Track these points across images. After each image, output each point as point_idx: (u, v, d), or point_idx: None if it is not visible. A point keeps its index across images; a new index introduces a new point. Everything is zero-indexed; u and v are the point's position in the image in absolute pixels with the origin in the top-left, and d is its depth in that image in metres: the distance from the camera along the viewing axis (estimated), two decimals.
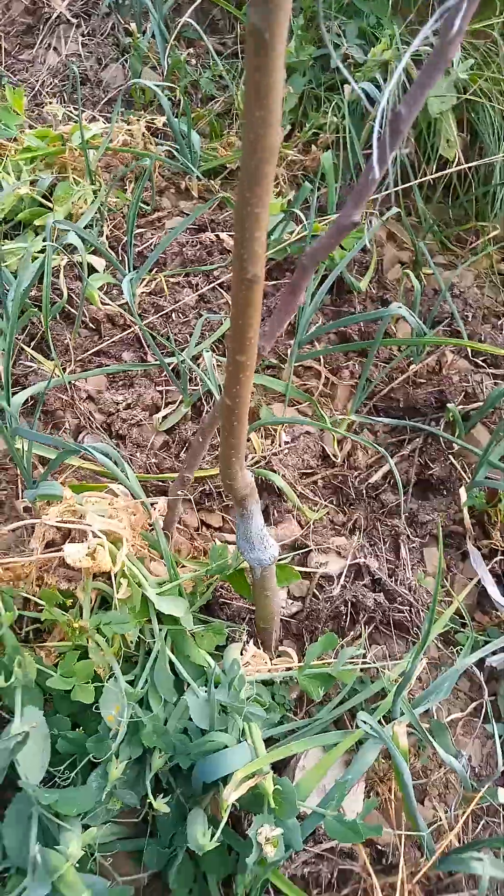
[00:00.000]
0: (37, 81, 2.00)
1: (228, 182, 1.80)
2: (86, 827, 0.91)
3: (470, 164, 1.48)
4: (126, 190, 1.73)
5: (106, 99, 1.97)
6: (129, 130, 1.65)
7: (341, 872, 1.00)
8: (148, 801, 0.93)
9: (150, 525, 1.10)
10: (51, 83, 1.99)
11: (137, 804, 0.96)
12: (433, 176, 1.61)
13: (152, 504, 1.12)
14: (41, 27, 2.10)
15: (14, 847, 0.89)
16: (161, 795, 0.93)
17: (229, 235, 1.66)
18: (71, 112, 1.76)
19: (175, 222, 1.72)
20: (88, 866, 0.93)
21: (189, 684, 1.01)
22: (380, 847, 1.04)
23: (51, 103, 1.71)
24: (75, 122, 1.73)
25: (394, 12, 1.72)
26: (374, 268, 1.68)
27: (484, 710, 1.20)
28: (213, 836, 0.87)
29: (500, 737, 1.16)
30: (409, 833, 1.01)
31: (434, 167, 1.60)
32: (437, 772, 1.12)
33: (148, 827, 1.01)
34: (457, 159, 1.54)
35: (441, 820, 1.06)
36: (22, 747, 0.90)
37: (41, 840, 0.88)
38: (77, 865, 0.85)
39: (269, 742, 1.05)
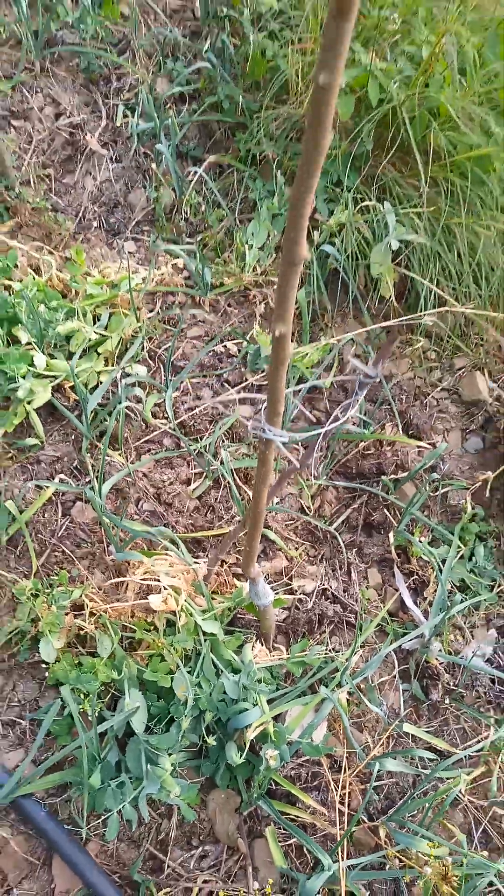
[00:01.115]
0: (80, 206, 2.57)
1: (232, 296, 2.41)
2: (170, 754, 1.63)
3: (403, 319, 2.10)
4: (155, 309, 2.34)
5: (135, 221, 2.55)
6: (162, 273, 2.25)
7: (313, 773, 1.73)
8: (203, 738, 1.65)
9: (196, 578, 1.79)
10: (91, 209, 2.56)
11: (198, 741, 1.68)
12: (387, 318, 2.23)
13: (196, 561, 1.81)
14: (79, 156, 2.64)
15: (133, 766, 1.61)
16: (211, 736, 1.65)
17: (234, 344, 2.28)
18: (115, 258, 2.35)
19: (194, 331, 2.34)
20: (173, 774, 1.66)
21: (223, 672, 1.72)
22: (335, 758, 1.77)
23: (100, 253, 2.30)
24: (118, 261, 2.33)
25: (351, 169, 2.29)
26: (336, 369, 2.32)
27: (397, 675, 1.92)
28: (241, 755, 1.59)
29: (405, 692, 1.88)
30: (350, 750, 1.74)
31: (377, 299, 2.22)
32: (369, 714, 1.85)
33: (202, 753, 1.74)
34: (391, 295, 2.15)
35: (370, 742, 1.79)
36: (134, 713, 1.61)
37: (147, 762, 1.60)
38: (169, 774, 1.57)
39: (271, 701, 1.76)
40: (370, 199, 2.21)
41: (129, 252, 2.48)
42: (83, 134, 2.65)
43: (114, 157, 2.66)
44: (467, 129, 2.05)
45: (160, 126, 2.55)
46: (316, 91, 0.60)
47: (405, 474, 2.12)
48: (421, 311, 2.24)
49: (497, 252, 2.13)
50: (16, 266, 2.23)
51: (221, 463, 1.99)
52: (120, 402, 1.93)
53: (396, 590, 2.03)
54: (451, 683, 1.90)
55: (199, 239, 2.49)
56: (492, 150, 1.98)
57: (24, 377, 2.02)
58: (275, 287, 2.40)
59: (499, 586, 2.04)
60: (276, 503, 2.09)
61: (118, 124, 2.69)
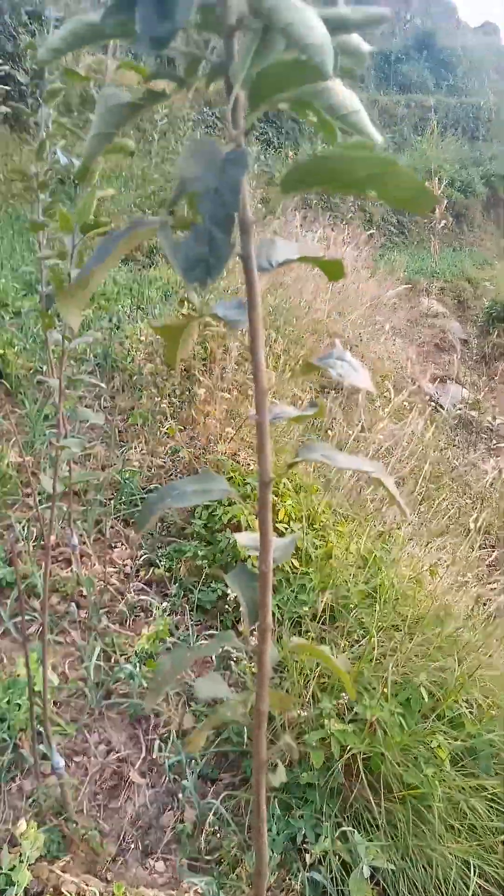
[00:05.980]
0: (121, 829, 3.12)
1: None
2: None
3: None
4: None
5: (165, 841, 3.07)
6: None
7: None
8: None
9: None
10: (130, 832, 3.10)
11: None
12: None
13: None
14: (123, 784, 3.31)
15: None
16: None
17: None
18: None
19: None
20: None
21: None
22: None
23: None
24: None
25: (330, 798, 2.91)
26: None
27: None
28: None
29: None
30: None
31: None
32: None
33: None
34: None
35: None
36: None
37: None
38: None
39: None
40: (347, 825, 2.77)
41: (159, 872, 2.93)
42: (127, 766, 3.37)
43: (149, 784, 3.32)
44: (405, 769, 2.74)
45: (186, 761, 3.28)
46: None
47: None
48: None
49: (451, 866, 2.59)
50: None
51: None
52: None
53: None
54: None
55: (216, 856, 2.96)
56: (426, 791, 2.63)
57: None
58: None
59: None
60: None
61: (154, 756, 3.43)
